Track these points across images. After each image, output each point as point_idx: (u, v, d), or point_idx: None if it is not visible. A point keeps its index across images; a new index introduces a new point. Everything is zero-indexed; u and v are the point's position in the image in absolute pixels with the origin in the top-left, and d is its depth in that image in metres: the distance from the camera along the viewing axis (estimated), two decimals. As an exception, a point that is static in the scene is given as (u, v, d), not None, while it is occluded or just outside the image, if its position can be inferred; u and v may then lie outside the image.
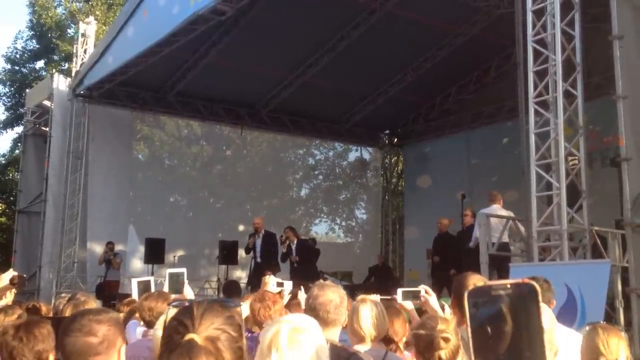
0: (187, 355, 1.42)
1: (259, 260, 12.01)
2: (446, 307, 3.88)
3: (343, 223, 20.08)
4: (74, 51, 15.55)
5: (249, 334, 4.12)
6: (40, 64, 26.84)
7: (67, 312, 3.60)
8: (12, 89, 26.45)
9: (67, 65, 22.96)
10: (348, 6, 12.99)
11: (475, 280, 3.03)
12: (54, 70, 22.46)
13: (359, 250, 19.31)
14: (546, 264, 7.64)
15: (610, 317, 6.84)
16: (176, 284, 4.73)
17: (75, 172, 14.39)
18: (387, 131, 18.87)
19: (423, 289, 3.95)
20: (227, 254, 13.51)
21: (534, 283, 1.09)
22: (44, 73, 24.98)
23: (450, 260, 11.19)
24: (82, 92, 14.63)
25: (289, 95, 15.79)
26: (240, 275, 14.93)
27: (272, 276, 4.71)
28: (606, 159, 12.21)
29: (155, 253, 13.46)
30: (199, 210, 17.09)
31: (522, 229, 9.07)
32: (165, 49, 12.24)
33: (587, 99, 8.01)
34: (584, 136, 7.91)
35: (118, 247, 13.77)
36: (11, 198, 23.61)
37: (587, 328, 2.89)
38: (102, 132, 14.76)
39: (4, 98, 26.74)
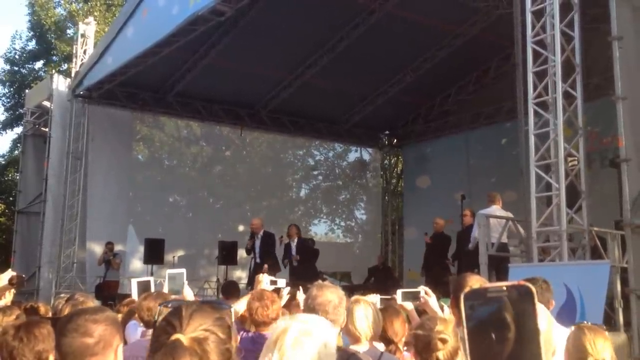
0: (170, 356, 1.42)
1: (258, 260, 12.01)
2: (445, 307, 3.88)
3: (342, 223, 20.09)
4: (74, 52, 15.54)
5: (245, 334, 4.12)
6: (39, 64, 26.88)
7: (66, 312, 3.60)
8: (12, 89, 26.46)
9: (66, 65, 22.95)
10: (347, 6, 12.99)
11: (474, 282, 3.03)
12: (53, 70, 22.45)
13: (358, 251, 19.30)
14: (546, 264, 7.65)
15: (609, 318, 6.85)
16: (176, 284, 4.74)
17: (74, 172, 14.39)
18: (387, 132, 18.88)
19: (423, 289, 3.95)
20: (227, 255, 13.52)
21: (530, 285, 1.09)
22: (43, 74, 24.98)
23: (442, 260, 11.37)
24: (81, 92, 14.63)
25: (289, 96, 15.80)
26: (240, 275, 14.94)
27: (265, 274, 4.71)
28: (605, 160, 12.22)
29: (154, 253, 13.46)
30: (199, 210, 17.10)
31: (521, 229, 9.08)
32: (164, 50, 12.25)
33: (586, 99, 8.01)
34: (583, 137, 7.91)
35: (117, 248, 13.77)
36: (10, 198, 23.60)
37: (573, 328, 2.91)
38: (101, 133, 14.76)
39: (3, 99, 26.80)
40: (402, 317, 3.96)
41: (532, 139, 7.98)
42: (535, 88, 8.03)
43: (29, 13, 26.11)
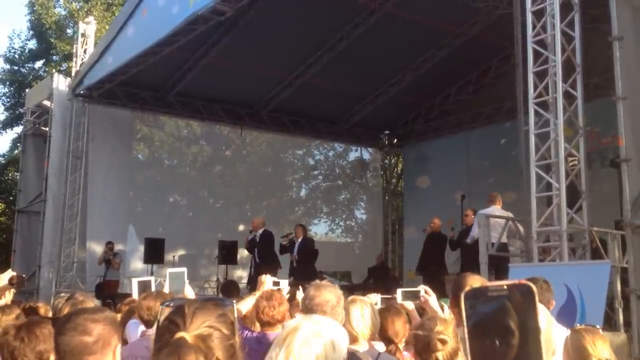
0: (176, 354, 1.42)
1: (257, 260, 12.03)
2: (445, 307, 3.88)
3: (342, 223, 20.09)
4: (74, 51, 15.53)
5: (250, 333, 4.12)
6: (39, 63, 26.88)
7: (65, 312, 3.60)
8: (12, 88, 26.46)
9: (66, 65, 22.95)
10: (347, 6, 12.99)
11: (474, 281, 3.02)
12: (53, 70, 22.46)
13: (358, 251, 19.30)
14: (546, 264, 7.65)
15: (609, 318, 6.85)
16: (177, 283, 4.74)
17: (74, 172, 14.38)
18: (387, 131, 18.87)
19: (423, 289, 3.95)
20: (227, 254, 13.53)
21: (531, 284, 1.09)
22: (43, 73, 24.98)
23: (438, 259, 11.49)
24: (82, 92, 14.62)
25: (289, 96, 15.80)
26: (241, 275, 14.94)
27: (268, 275, 4.70)
28: (605, 160, 12.22)
29: (154, 253, 13.46)
30: (199, 210, 17.10)
31: (521, 229, 9.08)
32: (165, 49, 12.25)
33: (586, 99, 8.01)
34: (583, 137, 7.91)
35: (118, 247, 13.77)
36: (11, 198, 23.61)
37: (569, 332, 2.92)
38: (101, 132, 14.76)
39: (3, 98, 26.80)
40: (403, 317, 3.95)
41: (532, 139, 7.98)
42: (535, 88, 8.03)
43: (29, 12, 26.15)
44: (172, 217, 16.54)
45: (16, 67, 26.72)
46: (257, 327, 4.26)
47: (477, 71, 15.52)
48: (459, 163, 16.14)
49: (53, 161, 14.63)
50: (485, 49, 14.28)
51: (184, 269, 4.85)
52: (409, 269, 16.77)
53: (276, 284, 4.64)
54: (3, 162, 26.72)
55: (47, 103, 15.19)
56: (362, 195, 19.86)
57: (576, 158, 7.91)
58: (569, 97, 7.82)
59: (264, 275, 4.70)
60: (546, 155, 7.92)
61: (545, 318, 2.32)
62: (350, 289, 12.43)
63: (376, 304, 4.43)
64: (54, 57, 25.95)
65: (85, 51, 15.05)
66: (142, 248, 14.06)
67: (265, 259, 11.84)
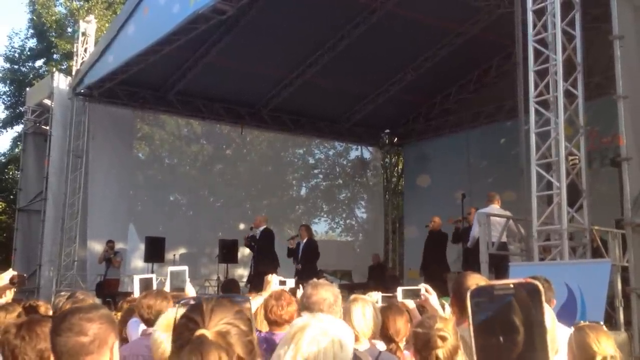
0: (198, 351, 1.43)
1: (255, 257, 12.03)
2: (446, 305, 3.87)
3: (343, 222, 20.09)
4: (74, 50, 15.53)
5: (257, 333, 4.12)
6: (40, 62, 26.88)
7: (63, 311, 3.59)
8: (12, 87, 26.45)
9: (67, 64, 22.94)
10: (348, 5, 12.98)
11: (475, 280, 3.02)
12: (54, 69, 22.44)
13: (359, 250, 19.30)
14: (546, 263, 7.65)
15: (610, 317, 6.85)
16: (178, 281, 4.73)
17: (75, 170, 14.39)
18: (388, 130, 18.86)
19: (423, 287, 3.94)
20: (227, 253, 13.54)
21: (537, 283, 1.09)
22: (44, 72, 24.97)
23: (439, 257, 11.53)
24: (82, 90, 14.61)
25: (289, 95, 15.79)
26: (242, 273, 14.95)
27: (274, 275, 4.68)
28: (605, 159, 12.22)
29: (155, 252, 13.48)
30: (199, 209, 17.11)
31: (521, 228, 9.09)
32: (165, 48, 12.24)
33: (586, 98, 8.02)
34: (584, 136, 7.91)
35: (118, 246, 13.77)
36: (11, 196, 23.60)
37: (573, 329, 2.91)
38: (102, 131, 14.75)
39: (4, 97, 26.79)
40: (405, 316, 3.94)
41: (533, 138, 7.98)
42: (536, 87, 8.03)
43: (29, 11, 26.15)
44: (173, 216, 16.55)
45: (17, 66, 26.71)
46: (264, 327, 4.26)
47: (478, 70, 15.52)
48: (460, 162, 16.14)
49: (53, 160, 14.63)
50: (486, 48, 14.28)
51: (185, 267, 4.84)
52: (410, 268, 16.79)
53: (282, 283, 4.63)
54: (3, 160, 26.73)
55: (47, 102, 15.19)
56: (362, 194, 19.86)
57: (577, 157, 7.90)
58: (569, 96, 7.82)
59: (270, 275, 4.69)
60: (547, 154, 7.92)
61: (550, 317, 2.32)
62: (351, 287, 12.44)
63: (377, 302, 4.42)
64: (55, 56, 25.93)
65: (85, 50, 15.04)
66: (142, 247, 14.08)
67: (264, 257, 11.83)
